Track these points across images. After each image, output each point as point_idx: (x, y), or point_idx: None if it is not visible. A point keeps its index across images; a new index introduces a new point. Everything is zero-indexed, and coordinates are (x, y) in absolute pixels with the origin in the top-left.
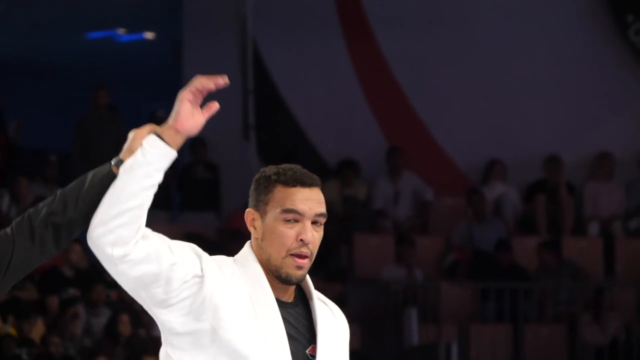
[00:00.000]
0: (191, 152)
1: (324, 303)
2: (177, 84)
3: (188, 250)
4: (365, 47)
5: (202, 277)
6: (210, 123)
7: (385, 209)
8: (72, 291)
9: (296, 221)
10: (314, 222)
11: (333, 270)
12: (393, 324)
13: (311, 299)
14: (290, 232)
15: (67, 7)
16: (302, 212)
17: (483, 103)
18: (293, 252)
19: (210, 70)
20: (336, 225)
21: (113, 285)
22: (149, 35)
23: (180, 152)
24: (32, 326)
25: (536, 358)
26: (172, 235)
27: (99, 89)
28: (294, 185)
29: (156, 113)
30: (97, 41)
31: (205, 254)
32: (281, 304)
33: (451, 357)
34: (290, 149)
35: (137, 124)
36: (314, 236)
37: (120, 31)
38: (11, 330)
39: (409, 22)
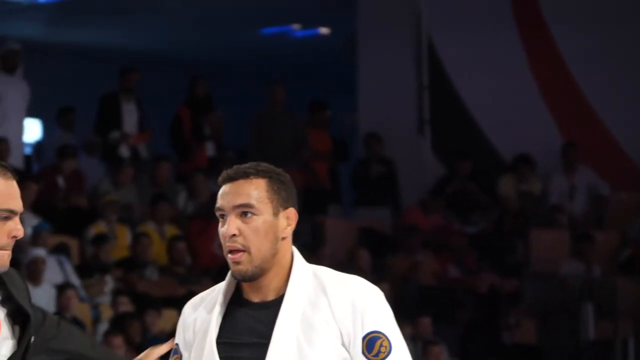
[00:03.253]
0: (365, 147)
1: (323, 291)
2: (352, 79)
3: None
4: (540, 41)
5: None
6: (385, 118)
7: (561, 204)
8: None
9: (225, 217)
10: (243, 214)
11: (509, 265)
12: (569, 319)
13: (287, 294)
14: (221, 230)
15: (241, 3)
16: (222, 207)
17: None
18: (227, 248)
19: (384, 65)
20: (512, 220)
21: None
22: (323, 30)
23: (354, 147)
24: None
25: None
26: (348, 231)
27: (275, 84)
28: (222, 183)
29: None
30: (272, 37)
31: (178, 335)
32: (251, 305)
33: (628, 353)
34: (465, 144)
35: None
36: (241, 228)
37: (295, 27)
38: None
39: (584, 16)
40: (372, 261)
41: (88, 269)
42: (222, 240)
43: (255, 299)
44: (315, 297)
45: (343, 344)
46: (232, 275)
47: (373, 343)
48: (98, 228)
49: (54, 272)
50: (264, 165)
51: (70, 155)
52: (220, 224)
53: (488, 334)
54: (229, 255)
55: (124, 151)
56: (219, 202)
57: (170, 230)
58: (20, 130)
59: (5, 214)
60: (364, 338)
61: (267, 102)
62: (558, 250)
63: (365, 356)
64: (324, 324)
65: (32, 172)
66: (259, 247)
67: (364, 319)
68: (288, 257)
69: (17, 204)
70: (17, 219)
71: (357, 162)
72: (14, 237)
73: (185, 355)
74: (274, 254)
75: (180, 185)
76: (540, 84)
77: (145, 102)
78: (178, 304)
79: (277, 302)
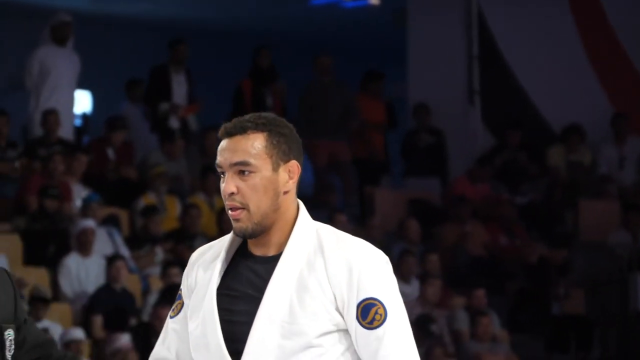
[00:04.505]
0: (415, 118)
1: (321, 251)
2: (402, 50)
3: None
4: (590, 12)
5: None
6: (435, 89)
7: (611, 174)
8: None
9: (224, 174)
10: (241, 172)
11: (558, 235)
12: (618, 289)
13: (285, 251)
14: (221, 187)
15: None
16: (220, 164)
17: None
18: (227, 206)
19: (434, 35)
20: (561, 191)
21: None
22: (373, 1)
23: (404, 118)
24: None
25: None
26: (397, 202)
27: (324, 55)
28: (221, 138)
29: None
30: (322, 8)
31: (183, 281)
32: (253, 258)
33: None
34: (514, 115)
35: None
36: (240, 186)
37: None
38: None
39: None
40: (421, 232)
41: (138, 240)
42: (223, 198)
43: (258, 252)
44: (313, 257)
45: (337, 309)
46: (234, 232)
47: (368, 310)
48: (148, 199)
49: (103, 243)
50: (265, 116)
51: (119, 126)
52: (221, 180)
53: (537, 304)
54: (229, 212)
55: (174, 123)
56: (218, 159)
57: (220, 201)
58: (70, 101)
59: None
60: (358, 305)
61: (315, 73)
62: (607, 221)
63: (359, 323)
64: (317, 287)
65: (82, 143)
66: (258, 204)
67: (360, 284)
68: (292, 211)
69: None
70: None
71: (407, 133)
72: None
73: (187, 302)
74: (276, 209)
75: None
76: (590, 54)
77: (195, 72)
78: None
79: (277, 258)
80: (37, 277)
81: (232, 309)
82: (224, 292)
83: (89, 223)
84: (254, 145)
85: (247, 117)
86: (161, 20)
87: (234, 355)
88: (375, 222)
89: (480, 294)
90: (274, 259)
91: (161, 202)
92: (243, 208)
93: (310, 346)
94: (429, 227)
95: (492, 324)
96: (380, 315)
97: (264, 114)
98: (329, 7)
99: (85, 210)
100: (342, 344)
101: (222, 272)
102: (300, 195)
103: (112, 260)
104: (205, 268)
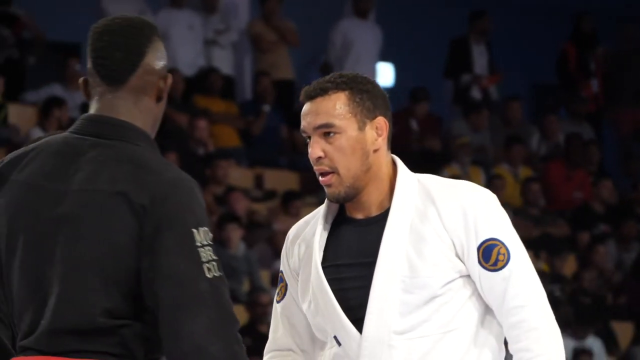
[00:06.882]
0: None
1: (431, 200)
2: None
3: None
4: None
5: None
6: None
7: None
8: (603, 227)
9: (310, 139)
10: (325, 134)
11: None
12: None
13: (392, 206)
14: (309, 152)
15: None
16: (304, 130)
17: None
18: (316, 171)
19: None
20: None
21: None
22: None
23: None
24: (564, 262)
25: None
26: None
27: (628, 23)
28: (303, 102)
29: None
30: None
31: (283, 262)
32: (355, 222)
33: None
34: None
35: None
36: (326, 149)
37: None
38: (544, 266)
39: None
40: None
41: None
42: (312, 164)
43: (359, 215)
44: (424, 208)
45: (457, 255)
46: (328, 198)
47: (490, 251)
48: (452, 170)
49: None
50: (346, 74)
51: (422, 98)
52: (308, 147)
53: None
54: (320, 178)
55: (476, 93)
56: (302, 124)
57: (524, 171)
58: (372, 74)
59: None
60: (479, 247)
61: (619, 41)
62: None
63: (482, 266)
64: (434, 235)
65: None
66: (348, 166)
67: (477, 226)
68: (385, 169)
69: None
70: None
71: None
72: None
73: (291, 282)
74: (367, 169)
75: (533, 127)
76: None
77: (495, 43)
78: (533, 246)
79: (383, 217)
80: None
81: (343, 277)
82: (330, 264)
83: None
84: (336, 105)
85: (327, 77)
86: None
87: (357, 323)
88: None
89: None
90: (380, 218)
91: (465, 173)
92: (333, 172)
93: (434, 296)
94: None
95: None
96: (504, 255)
97: (345, 72)
98: None
99: None
100: (466, 289)
101: (324, 243)
102: (605, 164)
103: None
104: (307, 244)
